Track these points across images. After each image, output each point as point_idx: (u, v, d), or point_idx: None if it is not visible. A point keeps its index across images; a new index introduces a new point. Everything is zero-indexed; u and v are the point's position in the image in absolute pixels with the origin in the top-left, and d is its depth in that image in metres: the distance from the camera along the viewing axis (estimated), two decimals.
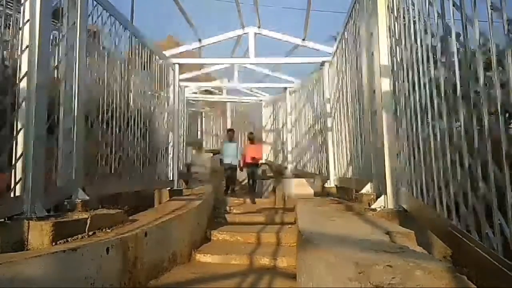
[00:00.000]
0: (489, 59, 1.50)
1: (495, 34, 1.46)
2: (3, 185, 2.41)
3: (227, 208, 6.77)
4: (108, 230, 2.71)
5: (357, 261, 1.49)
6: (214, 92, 14.13)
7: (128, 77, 4.55)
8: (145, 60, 5.01)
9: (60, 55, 3.00)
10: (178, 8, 5.95)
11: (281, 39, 7.03)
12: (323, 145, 6.46)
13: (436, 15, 2.08)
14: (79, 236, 2.41)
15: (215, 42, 7.19)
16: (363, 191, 3.44)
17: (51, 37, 2.84)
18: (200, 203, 4.85)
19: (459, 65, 1.80)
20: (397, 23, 2.83)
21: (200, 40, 7.03)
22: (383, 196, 2.96)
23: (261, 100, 11.93)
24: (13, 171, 2.33)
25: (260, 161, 9.18)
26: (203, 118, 15.93)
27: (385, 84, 3.02)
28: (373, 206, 3.00)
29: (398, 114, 2.86)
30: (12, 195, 2.32)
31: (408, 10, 2.62)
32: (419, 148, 2.42)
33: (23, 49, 2.44)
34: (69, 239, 2.31)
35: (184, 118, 8.66)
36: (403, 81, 2.72)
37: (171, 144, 6.12)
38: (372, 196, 3.21)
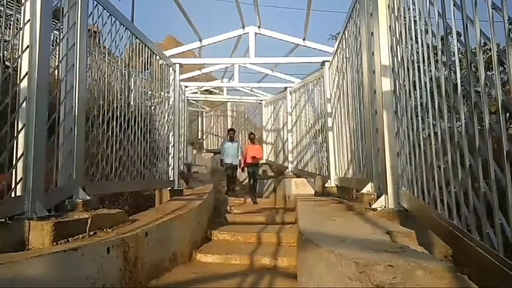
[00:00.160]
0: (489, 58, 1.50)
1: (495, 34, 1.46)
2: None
3: (228, 208, 6.78)
4: (109, 230, 2.72)
5: (357, 261, 1.49)
6: (215, 92, 14.16)
7: (129, 77, 4.55)
8: (146, 60, 5.02)
9: (60, 55, 3.00)
10: (178, 8, 5.96)
11: (281, 39, 7.05)
12: (323, 145, 6.46)
13: (436, 14, 2.08)
14: (80, 236, 2.42)
15: (215, 42, 7.20)
16: (364, 190, 3.43)
17: (52, 37, 2.84)
18: (201, 203, 4.85)
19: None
20: (397, 22, 2.82)
21: (200, 40, 7.04)
22: (383, 195, 2.96)
23: (261, 100, 11.93)
24: (14, 171, 2.33)
25: (261, 161, 9.17)
26: (204, 118, 15.97)
27: (386, 84, 3.02)
28: (373, 206, 3.00)
29: (398, 113, 2.86)
30: (12, 195, 2.32)
31: (408, 9, 2.61)
32: (420, 147, 2.42)
33: (23, 49, 2.44)
34: (70, 239, 2.31)
35: (184, 118, 8.67)
36: (404, 81, 2.72)
37: (171, 144, 6.12)
38: (372, 196, 3.20)
